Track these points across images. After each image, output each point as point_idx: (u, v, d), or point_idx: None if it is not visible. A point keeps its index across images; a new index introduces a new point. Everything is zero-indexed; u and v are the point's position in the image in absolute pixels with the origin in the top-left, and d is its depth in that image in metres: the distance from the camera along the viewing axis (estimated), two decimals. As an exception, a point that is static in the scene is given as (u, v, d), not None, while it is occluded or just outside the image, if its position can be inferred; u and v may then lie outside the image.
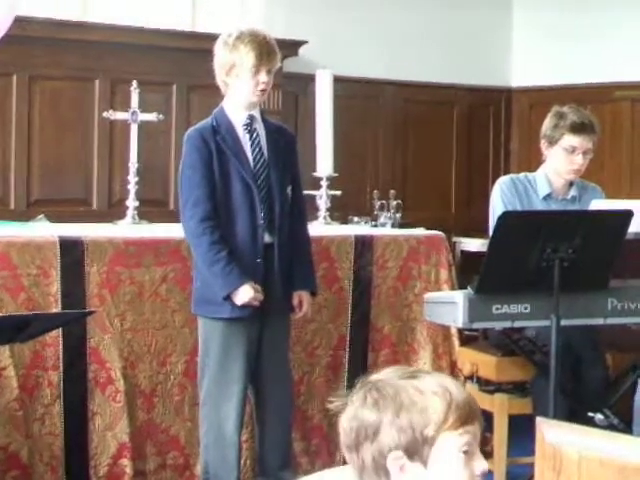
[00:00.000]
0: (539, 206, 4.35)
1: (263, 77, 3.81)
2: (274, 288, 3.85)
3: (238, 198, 3.81)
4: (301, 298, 3.95)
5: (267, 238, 3.84)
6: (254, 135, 3.88)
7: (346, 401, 1.98)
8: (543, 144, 4.40)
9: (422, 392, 1.93)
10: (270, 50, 3.85)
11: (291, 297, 3.93)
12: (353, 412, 1.95)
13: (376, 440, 1.92)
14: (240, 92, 3.85)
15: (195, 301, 3.92)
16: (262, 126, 3.92)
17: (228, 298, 3.75)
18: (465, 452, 1.93)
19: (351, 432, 1.95)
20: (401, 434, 1.90)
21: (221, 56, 3.86)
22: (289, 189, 3.92)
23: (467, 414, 1.93)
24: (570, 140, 4.30)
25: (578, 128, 4.28)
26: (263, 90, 3.85)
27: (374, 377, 1.99)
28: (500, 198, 4.35)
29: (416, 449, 1.90)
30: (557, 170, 4.38)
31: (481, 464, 1.95)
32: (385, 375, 1.99)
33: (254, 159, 3.86)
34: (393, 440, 1.91)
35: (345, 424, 1.97)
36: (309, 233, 4.08)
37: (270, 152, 3.89)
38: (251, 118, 3.89)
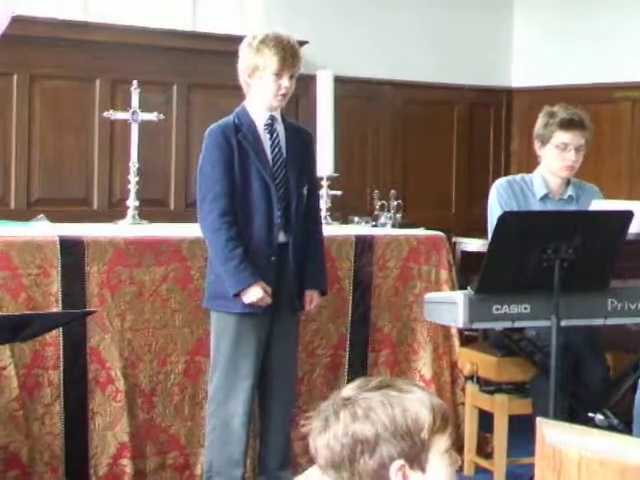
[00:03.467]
0: (536, 207, 4.35)
1: (285, 82, 3.83)
2: (286, 286, 3.88)
3: (256, 196, 3.82)
4: (312, 297, 3.97)
5: (282, 237, 3.86)
6: (274, 135, 3.89)
7: (324, 421, 1.93)
8: (536, 144, 4.41)
9: (408, 399, 1.92)
10: (294, 55, 3.85)
11: (302, 296, 3.95)
12: (343, 429, 1.90)
13: (375, 452, 1.89)
14: (262, 95, 3.86)
15: (208, 295, 3.94)
16: (282, 127, 3.93)
17: (238, 296, 3.77)
18: (449, 452, 1.95)
19: (342, 450, 1.90)
20: (401, 442, 1.89)
21: (245, 58, 3.87)
22: (305, 189, 3.94)
23: (446, 417, 1.95)
24: (561, 137, 4.31)
25: (567, 124, 4.29)
26: (284, 95, 3.85)
27: (349, 393, 1.95)
28: (497, 200, 4.36)
29: (416, 455, 1.90)
30: (551, 169, 4.38)
31: (457, 461, 1.98)
32: (359, 389, 1.95)
33: (273, 159, 3.87)
34: (395, 449, 1.89)
35: (332, 443, 1.91)
36: (323, 233, 4.09)
37: (288, 152, 3.90)
38: (272, 118, 3.90)
